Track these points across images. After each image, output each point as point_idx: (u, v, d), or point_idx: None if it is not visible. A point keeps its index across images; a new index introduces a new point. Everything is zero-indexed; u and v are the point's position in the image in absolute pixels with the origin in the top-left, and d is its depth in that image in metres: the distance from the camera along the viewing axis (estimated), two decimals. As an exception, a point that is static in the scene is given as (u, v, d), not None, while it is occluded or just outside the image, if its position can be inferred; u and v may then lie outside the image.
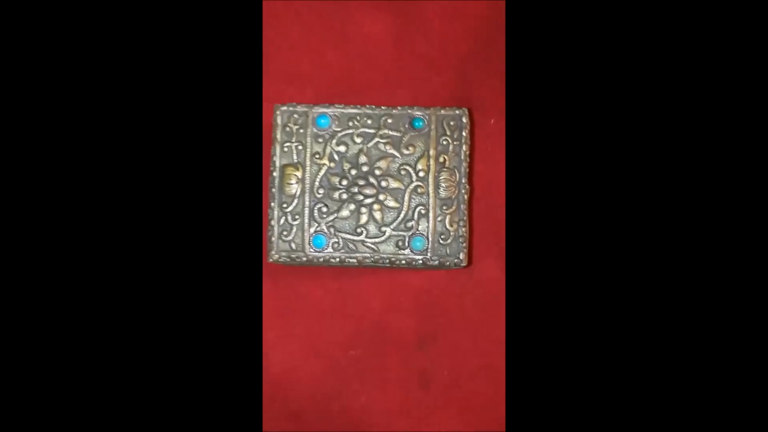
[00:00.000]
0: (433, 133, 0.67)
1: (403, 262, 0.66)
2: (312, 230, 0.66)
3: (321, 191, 0.67)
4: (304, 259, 0.66)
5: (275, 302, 0.69)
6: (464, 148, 0.67)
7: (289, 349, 0.69)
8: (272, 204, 0.66)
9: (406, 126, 0.67)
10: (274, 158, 0.67)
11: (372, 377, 0.69)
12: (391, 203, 0.67)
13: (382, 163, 0.67)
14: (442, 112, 0.67)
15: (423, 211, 0.67)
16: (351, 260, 0.66)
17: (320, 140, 0.67)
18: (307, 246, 0.66)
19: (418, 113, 0.67)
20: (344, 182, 0.67)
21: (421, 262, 0.66)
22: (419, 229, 0.67)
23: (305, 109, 0.67)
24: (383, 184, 0.67)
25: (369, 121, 0.67)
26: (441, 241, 0.66)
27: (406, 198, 0.67)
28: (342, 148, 0.67)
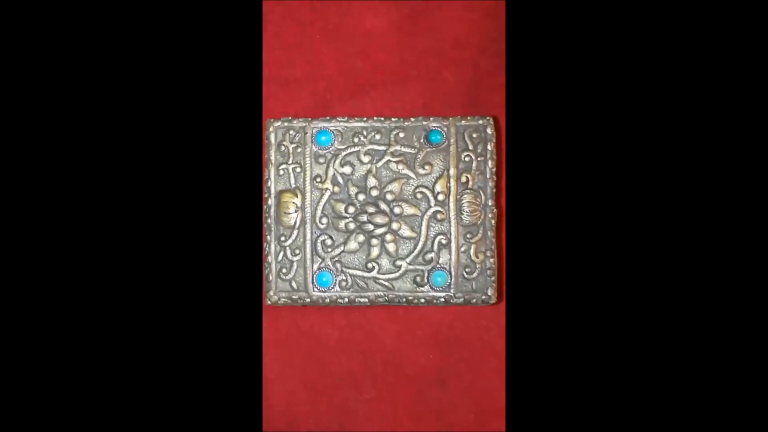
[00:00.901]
0: (452, 148, 0.62)
1: (423, 300, 0.62)
2: (315, 267, 0.62)
3: (324, 221, 0.62)
4: (308, 300, 0.63)
5: (275, 338, 0.66)
6: (490, 164, 0.62)
7: (292, 390, 0.65)
8: (268, 237, 0.62)
9: (422, 140, 0.63)
10: (269, 183, 0.63)
11: (384, 420, 0.66)
12: (407, 233, 0.62)
13: (395, 186, 0.62)
14: (463, 122, 0.63)
15: (444, 241, 0.62)
16: (362, 299, 0.62)
17: (321, 161, 0.63)
18: (310, 285, 0.62)
19: (434, 125, 0.63)
20: (351, 210, 0.62)
21: (443, 299, 0.62)
22: (440, 262, 0.62)
23: (303, 124, 0.64)
24: (396, 210, 0.62)
25: (377, 137, 0.63)
26: (466, 275, 0.62)
27: (424, 226, 0.62)
28: (347, 170, 0.62)
